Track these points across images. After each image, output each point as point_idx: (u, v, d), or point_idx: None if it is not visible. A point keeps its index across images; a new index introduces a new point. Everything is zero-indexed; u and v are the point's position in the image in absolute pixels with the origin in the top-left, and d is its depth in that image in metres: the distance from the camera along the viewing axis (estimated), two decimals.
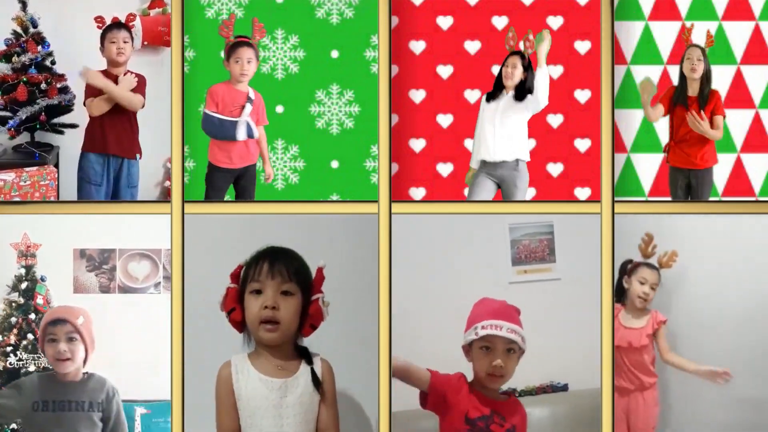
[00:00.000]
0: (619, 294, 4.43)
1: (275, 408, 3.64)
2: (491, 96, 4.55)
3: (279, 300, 3.65)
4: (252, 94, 4.52)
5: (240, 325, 3.73)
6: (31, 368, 4.38)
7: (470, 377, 4.02)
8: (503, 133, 4.53)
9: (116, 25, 4.52)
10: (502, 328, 3.90)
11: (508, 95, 4.53)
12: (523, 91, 4.51)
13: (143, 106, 4.52)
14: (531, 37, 4.51)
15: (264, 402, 3.64)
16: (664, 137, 4.58)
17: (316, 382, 3.69)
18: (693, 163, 4.55)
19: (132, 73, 4.52)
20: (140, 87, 4.54)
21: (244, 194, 4.56)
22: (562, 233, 4.46)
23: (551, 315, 4.39)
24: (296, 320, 3.68)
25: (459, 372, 4.01)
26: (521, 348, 3.94)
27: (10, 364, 4.39)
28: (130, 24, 4.52)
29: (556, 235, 4.47)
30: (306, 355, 3.75)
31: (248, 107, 4.51)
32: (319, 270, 3.77)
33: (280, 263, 3.69)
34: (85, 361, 4.32)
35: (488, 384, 3.94)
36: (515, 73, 4.52)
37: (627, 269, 4.43)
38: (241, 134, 4.51)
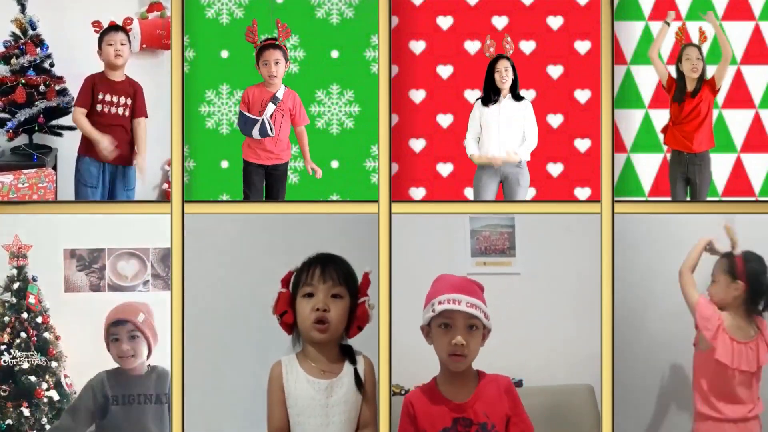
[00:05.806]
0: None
1: (322, 407, 3.73)
2: (488, 100, 4.56)
3: (329, 302, 3.75)
4: (280, 95, 4.54)
5: (290, 327, 3.80)
6: (25, 366, 4.40)
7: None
8: (509, 134, 4.55)
9: (113, 28, 4.52)
10: (461, 302, 3.68)
11: (506, 98, 4.55)
12: (516, 91, 4.54)
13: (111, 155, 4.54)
14: (509, 39, 4.53)
15: (311, 402, 3.73)
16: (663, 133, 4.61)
17: (359, 382, 3.78)
18: (688, 146, 4.55)
19: (113, 138, 4.53)
20: (138, 98, 4.54)
21: (271, 192, 4.57)
22: (523, 228, 4.46)
23: (510, 310, 4.34)
24: (344, 321, 3.77)
25: (411, 393, 3.87)
26: (485, 325, 3.73)
27: (4, 362, 4.43)
28: (128, 27, 4.53)
29: (517, 230, 4.46)
30: (350, 354, 3.83)
31: (269, 107, 4.52)
32: (365, 275, 3.83)
33: (331, 268, 3.78)
34: (149, 355, 4.36)
35: (451, 366, 3.72)
36: (508, 76, 4.55)
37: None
38: (255, 132, 4.53)
